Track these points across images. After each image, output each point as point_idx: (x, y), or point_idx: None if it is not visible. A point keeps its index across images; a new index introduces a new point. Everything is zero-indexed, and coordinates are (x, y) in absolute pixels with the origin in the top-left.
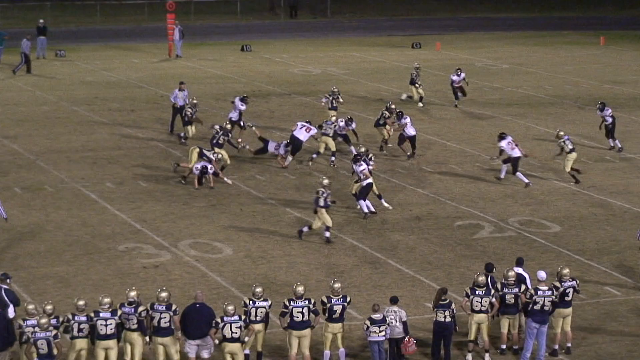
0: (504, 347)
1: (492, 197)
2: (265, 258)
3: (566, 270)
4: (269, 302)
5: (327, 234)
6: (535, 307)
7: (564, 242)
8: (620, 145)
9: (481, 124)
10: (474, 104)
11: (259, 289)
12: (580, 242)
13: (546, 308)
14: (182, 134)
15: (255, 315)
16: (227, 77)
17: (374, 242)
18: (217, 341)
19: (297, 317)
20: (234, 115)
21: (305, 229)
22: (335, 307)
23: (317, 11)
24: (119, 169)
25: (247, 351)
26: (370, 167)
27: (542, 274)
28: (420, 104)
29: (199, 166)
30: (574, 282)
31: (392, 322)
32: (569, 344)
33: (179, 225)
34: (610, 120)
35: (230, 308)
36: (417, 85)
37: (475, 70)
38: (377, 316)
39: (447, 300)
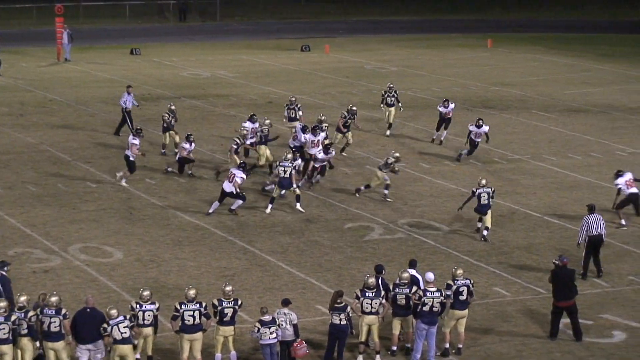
0: (394, 348)
1: (382, 199)
2: (155, 262)
3: (460, 271)
4: (157, 305)
5: (485, 232)
6: (424, 309)
7: (453, 244)
8: (443, 139)
9: (370, 127)
10: (363, 106)
11: (146, 292)
12: (469, 243)
13: (435, 309)
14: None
15: (143, 319)
16: (117, 81)
17: (265, 245)
18: (109, 348)
19: (188, 321)
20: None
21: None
22: (226, 310)
23: (206, 14)
24: (8, 173)
25: (137, 355)
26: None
27: (430, 276)
28: (388, 132)
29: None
30: (467, 280)
31: (282, 325)
32: (461, 345)
33: (69, 229)
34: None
35: (114, 312)
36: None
37: (364, 73)
38: (267, 318)
39: (343, 304)
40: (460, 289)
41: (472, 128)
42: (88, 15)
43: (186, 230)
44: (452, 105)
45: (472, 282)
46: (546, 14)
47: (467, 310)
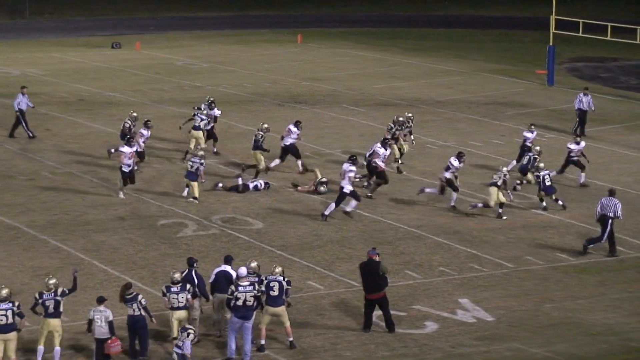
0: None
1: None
2: None
3: (278, 269)
4: None
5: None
6: (237, 303)
7: (267, 238)
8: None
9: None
10: (175, 103)
11: None
12: (282, 237)
13: (248, 303)
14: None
15: None
16: None
17: (78, 243)
18: None
19: (1, 320)
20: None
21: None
22: (47, 302)
23: (15, 12)
24: None
25: None
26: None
27: (242, 271)
28: (400, 161)
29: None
30: (281, 277)
31: (98, 322)
32: (291, 339)
33: None
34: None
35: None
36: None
37: (175, 69)
38: None
39: (133, 294)
40: (271, 284)
41: (572, 146)
42: None
43: None
44: (535, 132)
45: (286, 279)
46: (354, 9)
47: (281, 307)
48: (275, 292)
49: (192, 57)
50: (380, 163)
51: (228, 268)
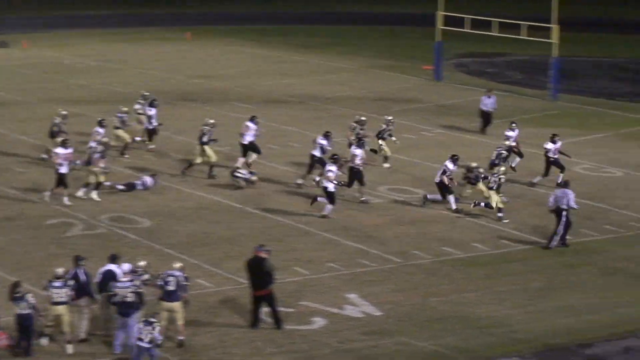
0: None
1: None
2: None
3: (177, 265)
4: None
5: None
6: (116, 299)
7: (155, 237)
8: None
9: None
10: (63, 102)
11: None
12: (171, 236)
13: (128, 300)
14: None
15: None
16: None
17: None
18: None
19: None
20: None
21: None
22: None
23: None
24: None
25: None
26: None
27: (125, 267)
28: (387, 165)
29: None
30: (179, 273)
31: None
32: (181, 337)
33: None
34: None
35: None
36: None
37: (62, 68)
38: None
39: (21, 293)
40: (167, 280)
41: (549, 145)
42: None
43: None
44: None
45: (185, 275)
46: (243, 7)
47: (177, 303)
48: (171, 287)
49: (80, 56)
50: (358, 162)
51: (114, 267)
